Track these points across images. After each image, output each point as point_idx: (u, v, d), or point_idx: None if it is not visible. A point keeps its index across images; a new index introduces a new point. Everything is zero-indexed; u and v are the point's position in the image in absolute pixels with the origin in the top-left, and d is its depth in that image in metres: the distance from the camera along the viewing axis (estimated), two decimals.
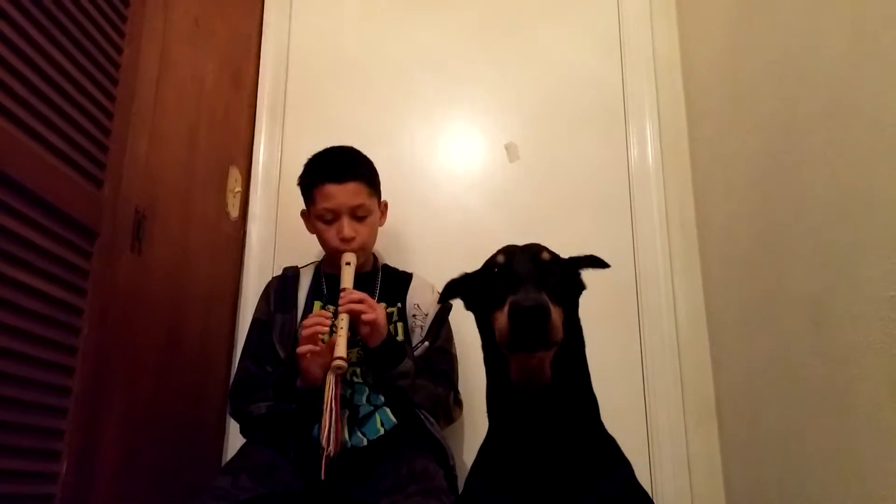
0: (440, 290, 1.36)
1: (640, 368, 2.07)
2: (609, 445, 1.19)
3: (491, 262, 1.21)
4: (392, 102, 2.37)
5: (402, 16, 2.45)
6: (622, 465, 1.17)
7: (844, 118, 1.30)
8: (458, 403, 1.82)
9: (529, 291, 1.04)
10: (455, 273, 1.32)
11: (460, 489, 1.75)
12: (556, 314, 1.05)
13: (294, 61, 2.43)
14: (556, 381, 1.12)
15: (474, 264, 1.29)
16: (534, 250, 1.19)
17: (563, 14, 2.41)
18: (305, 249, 2.10)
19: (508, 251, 1.20)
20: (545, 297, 1.03)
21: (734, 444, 1.90)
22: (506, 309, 1.03)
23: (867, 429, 1.22)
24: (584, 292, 1.28)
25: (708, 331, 2.06)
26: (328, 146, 1.86)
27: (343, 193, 1.76)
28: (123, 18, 1.49)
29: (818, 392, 1.40)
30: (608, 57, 2.35)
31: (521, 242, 1.24)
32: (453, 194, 2.28)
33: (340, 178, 1.77)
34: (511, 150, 2.29)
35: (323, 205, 1.78)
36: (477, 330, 1.25)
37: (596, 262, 1.28)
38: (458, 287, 1.32)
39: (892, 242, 1.15)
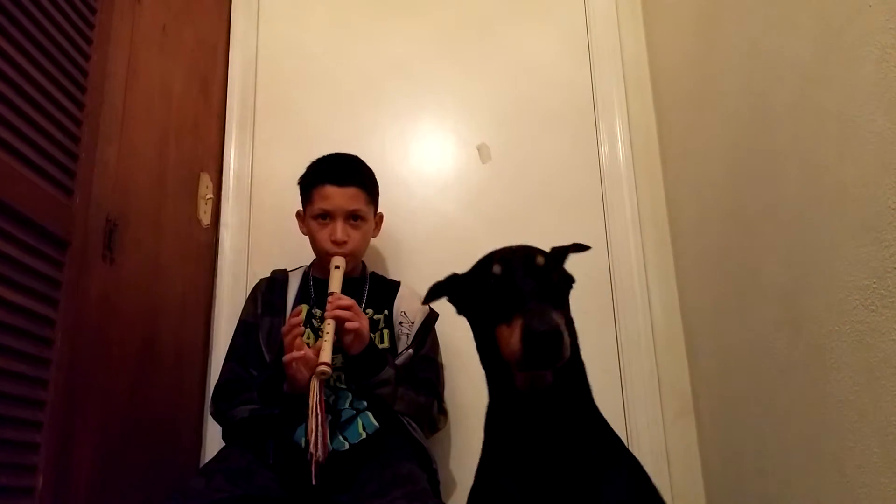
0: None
1: (617, 365, 2.08)
2: (608, 436, 1.17)
3: (485, 271, 1.16)
4: (362, 108, 2.36)
5: (369, 22, 2.44)
6: (624, 458, 1.15)
7: (812, 112, 1.33)
8: (443, 412, 1.82)
9: (538, 311, 1.00)
10: (432, 275, 1.30)
11: (443, 494, 1.75)
12: (563, 327, 1.00)
13: (262, 69, 2.41)
14: (556, 381, 1.11)
15: (451, 266, 1.29)
16: (528, 255, 1.15)
17: (530, 16, 2.43)
18: (279, 255, 2.09)
19: (503, 259, 1.15)
20: (555, 318, 0.99)
21: (712, 437, 1.92)
22: (517, 331, 0.99)
23: (844, 417, 1.24)
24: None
25: (683, 325, 2.09)
26: (331, 153, 1.89)
27: (342, 196, 1.79)
28: (91, 25, 1.47)
29: (794, 382, 1.42)
30: (576, 57, 2.37)
31: (496, 243, 1.22)
32: (427, 198, 2.28)
33: (341, 182, 1.80)
34: (483, 152, 2.30)
35: (320, 205, 1.80)
36: (465, 338, 1.23)
37: (579, 248, 1.29)
38: (445, 289, 1.28)
39: (863, 232, 1.17)
